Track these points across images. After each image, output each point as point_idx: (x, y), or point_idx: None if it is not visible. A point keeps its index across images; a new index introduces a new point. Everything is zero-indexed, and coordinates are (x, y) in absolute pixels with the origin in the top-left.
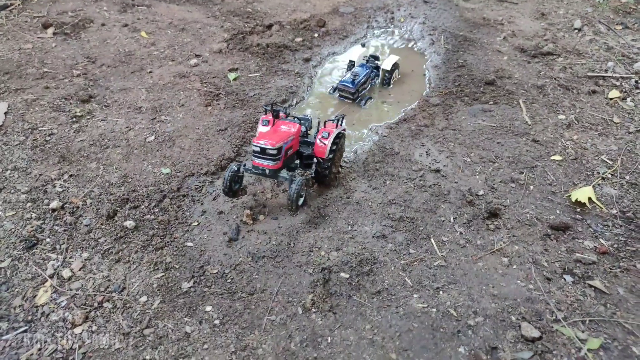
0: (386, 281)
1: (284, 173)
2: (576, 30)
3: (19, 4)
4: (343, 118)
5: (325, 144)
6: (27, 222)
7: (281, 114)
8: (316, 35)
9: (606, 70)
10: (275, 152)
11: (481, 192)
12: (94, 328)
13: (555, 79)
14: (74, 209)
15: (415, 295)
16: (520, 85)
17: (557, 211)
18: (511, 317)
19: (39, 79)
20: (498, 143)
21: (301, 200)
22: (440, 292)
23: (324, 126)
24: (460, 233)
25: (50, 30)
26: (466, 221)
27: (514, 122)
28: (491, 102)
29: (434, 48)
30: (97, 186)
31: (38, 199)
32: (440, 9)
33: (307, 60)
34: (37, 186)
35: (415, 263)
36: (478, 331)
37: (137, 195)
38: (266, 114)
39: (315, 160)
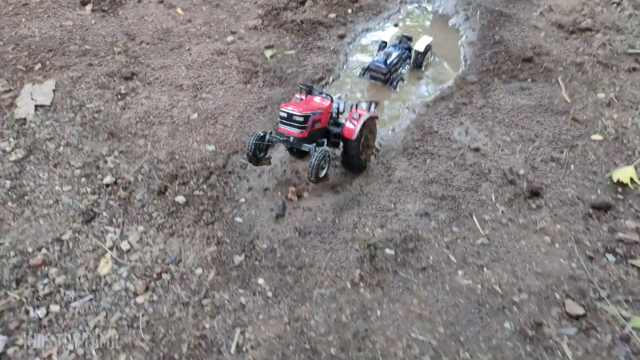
0: (431, 258)
1: (308, 145)
2: (615, 5)
3: None
4: (377, 104)
5: (354, 125)
6: (84, 196)
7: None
8: (350, 11)
9: None
10: (301, 119)
11: (522, 172)
12: (155, 298)
13: (594, 55)
14: (127, 185)
15: (460, 272)
16: (559, 62)
17: (599, 191)
18: (555, 294)
19: (82, 56)
20: (537, 122)
21: (323, 173)
22: (485, 269)
23: (356, 108)
24: (502, 212)
25: (88, 7)
26: (507, 200)
27: (553, 100)
28: (529, 80)
29: (468, 24)
30: (147, 162)
31: (91, 174)
32: None
33: (341, 37)
34: (90, 162)
35: (458, 240)
36: (523, 307)
37: (185, 171)
38: (300, 93)
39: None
